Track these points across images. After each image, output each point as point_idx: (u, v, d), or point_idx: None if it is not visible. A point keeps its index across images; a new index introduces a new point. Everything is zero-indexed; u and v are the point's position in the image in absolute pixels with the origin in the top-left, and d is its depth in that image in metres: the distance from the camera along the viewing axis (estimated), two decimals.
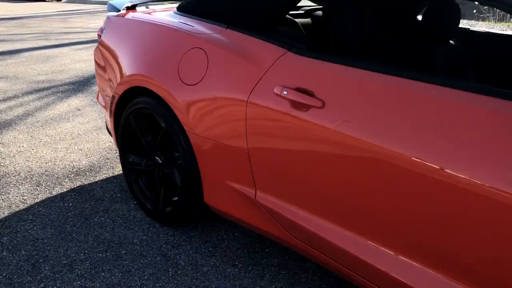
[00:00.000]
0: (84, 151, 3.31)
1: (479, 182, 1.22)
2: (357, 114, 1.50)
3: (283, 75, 1.74)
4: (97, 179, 2.90)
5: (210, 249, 2.23)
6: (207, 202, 2.14)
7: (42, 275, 1.99)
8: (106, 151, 3.33)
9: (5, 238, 2.24)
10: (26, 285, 1.93)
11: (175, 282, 1.98)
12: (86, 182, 2.85)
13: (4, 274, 1.98)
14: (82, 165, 3.09)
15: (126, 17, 2.54)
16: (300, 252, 1.87)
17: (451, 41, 2.49)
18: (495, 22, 11.29)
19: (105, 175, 2.95)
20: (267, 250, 2.23)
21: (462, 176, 1.25)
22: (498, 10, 11.85)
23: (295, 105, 1.66)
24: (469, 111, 1.28)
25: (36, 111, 4.18)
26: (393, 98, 1.44)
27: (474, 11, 11.94)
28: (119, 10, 2.66)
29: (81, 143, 3.46)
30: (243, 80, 1.84)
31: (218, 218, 2.48)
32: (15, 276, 1.98)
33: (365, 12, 1.80)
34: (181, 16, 2.31)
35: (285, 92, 1.69)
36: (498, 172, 1.19)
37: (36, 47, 7.36)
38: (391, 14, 2.31)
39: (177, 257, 2.15)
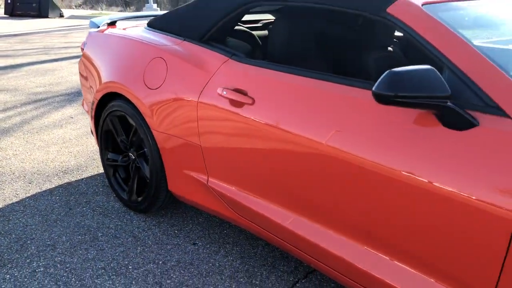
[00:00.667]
0: (73, 153, 3.67)
1: (356, 155, 1.56)
2: (279, 109, 1.84)
3: (224, 78, 2.09)
4: (83, 176, 3.25)
5: (176, 231, 2.56)
6: (171, 190, 2.48)
7: (29, 253, 2.34)
8: (93, 153, 3.68)
9: None
10: (15, 261, 2.27)
11: (142, 257, 2.32)
12: (73, 179, 3.20)
13: None
14: (71, 165, 3.44)
15: (104, 32, 2.91)
16: (247, 229, 2.20)
17: (389, 48, 2.83)
18: None
19: (90, 173, 3.30)
20: (225, 231, 2.57)
21: (347, 151, 1.59)
22: None
23: (233, 102, 2.01)
24: (358, 103, 1.63)
25: (32, 119, 4.55)
26: (306, 95, 1.79)
27: None
28: (99, 27, 3.03)
29: (71, 146, 3.82)
30: (194, 84, 2.20)
31: (187, 207, 2.82)
32: (5, 254, 2.32)
33: (298, 24, 2.15)
34: (149, 31, 2.67)
35: (225, 92, 2.04)
36: (370, 146, 1.53)
37: (37, 61, 7.78)
38: (329, 26, 2.66)
39: (146, 238, 2.49)
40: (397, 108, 1.52)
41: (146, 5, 16.82)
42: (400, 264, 1.55)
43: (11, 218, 2.67)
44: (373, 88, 1.40)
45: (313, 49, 2.32)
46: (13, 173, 3.28)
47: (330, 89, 1.72)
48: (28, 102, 5.21)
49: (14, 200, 2.89)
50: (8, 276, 2.16)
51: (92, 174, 3.29)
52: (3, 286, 2.09)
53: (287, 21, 2.15)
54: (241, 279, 2.15)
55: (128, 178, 2.81)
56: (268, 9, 2.27)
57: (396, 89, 1.36)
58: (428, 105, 1.37)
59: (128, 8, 21.83)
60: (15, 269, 2.20)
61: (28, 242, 2.43)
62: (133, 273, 2.19)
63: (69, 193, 3.00)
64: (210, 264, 2.26)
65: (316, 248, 1.80)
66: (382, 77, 1.39)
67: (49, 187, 3.07)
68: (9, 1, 19.63)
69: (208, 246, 2.42)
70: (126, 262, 2.27)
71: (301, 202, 1.83)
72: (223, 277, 2.17)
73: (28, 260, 2.27)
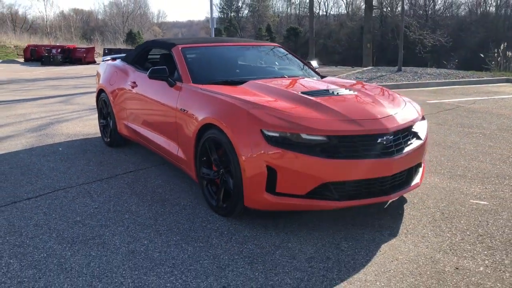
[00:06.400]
0: (95, 128, 6.80)
1: (155, 99, 4.43)
2: (143, 87, 4.75)
3: (131, 77, 5.06)
4: (95, 137, 6.33)
5: (120, 153, 5.49)
6: (119, 132, 5.44)
7: (33, 157, 5.39)
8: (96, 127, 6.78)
9: (36, 147, 5.70)
10: (19, 165, 5.33)
11: (77, 162, 5.27)
12: (91, 137, 6.29)
13: (8, 161, 5.41)
14: (91, 132, 6.55)
15: (105, 62, 6.05)
16: (142, 144, 5.06)
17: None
18: None
19: (99, 135, 6.38)
20: (143, 151, 5.45)
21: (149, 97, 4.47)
22: None
23: (131, 87, 4.96)
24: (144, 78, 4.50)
25: (84, 116, 7.84)
26: (145, 80, 4.68)
27: None
28: (104, 60, 6.19)
29: (95, 126, 6.97)
30: (124, 81, 5.18)
31: (131, 144, 5.75)
32: (42, 150, 5.40)
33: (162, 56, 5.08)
34: (119, 61, 5.74)
35: (129, 83, 5.01)
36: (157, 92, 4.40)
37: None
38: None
39: (107, 154, 5.45)
40: (157, 81, 4.35)
41: None
42: (168, 140, 4.34)
43: (54, 146, 5.79)
44: (147, 74, 4.28)
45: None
46: (62, 134, 6.45)
47: (144, 76, 4.62)
48: (87, 109, 8.58)
49: (57, 141, 6.02)
50: (30, 153, 5.22)
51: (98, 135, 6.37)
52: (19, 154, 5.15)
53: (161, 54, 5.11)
54: (134, 172, 5.01)
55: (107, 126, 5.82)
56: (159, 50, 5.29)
57: (152, 73, 4.21)
58: (164, 79, 4.21)
59: None
60: (37, 158, 5.27)
61: (41, 154, 5.51)
62: (93, 163, 5.16)
63: (84, 141, 6.08)
64: (126, 161, 5.16)
65: (156, 145, 4.63)
66: (149, 70, 4.25)
67: (77, 139, 6.19)
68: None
69: (132, 156, 5.32)
70: (93, 159, 5.24)
71: (153, 126, 4.68)
72: (128, 165, 5.04)
73: (31, 158, 5.33)
